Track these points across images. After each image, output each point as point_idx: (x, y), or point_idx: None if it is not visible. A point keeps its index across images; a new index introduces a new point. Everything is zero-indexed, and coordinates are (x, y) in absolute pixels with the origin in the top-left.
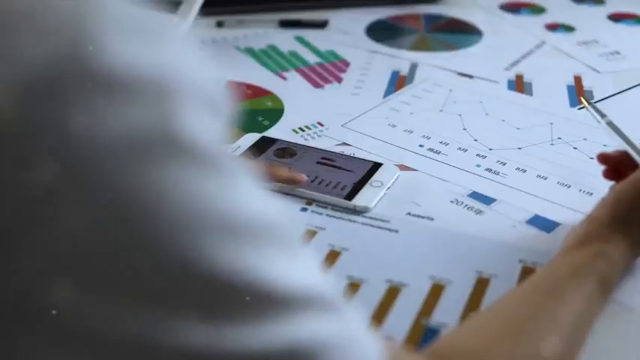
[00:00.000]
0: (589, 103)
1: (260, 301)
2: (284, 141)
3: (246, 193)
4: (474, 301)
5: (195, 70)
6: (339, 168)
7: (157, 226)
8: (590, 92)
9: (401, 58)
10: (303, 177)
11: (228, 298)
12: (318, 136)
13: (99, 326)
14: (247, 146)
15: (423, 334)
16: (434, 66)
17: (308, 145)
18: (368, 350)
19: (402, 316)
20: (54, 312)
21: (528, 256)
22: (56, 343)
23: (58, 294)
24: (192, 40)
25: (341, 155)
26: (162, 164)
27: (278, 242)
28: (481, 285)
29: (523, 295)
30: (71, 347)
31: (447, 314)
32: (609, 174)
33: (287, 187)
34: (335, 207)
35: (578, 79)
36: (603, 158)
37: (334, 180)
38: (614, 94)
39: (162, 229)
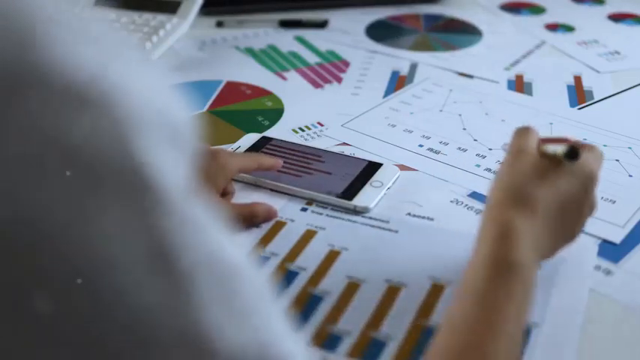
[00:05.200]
0: None
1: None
2: (284, 141)
3: (216, 241)
4: None
5: (153, 94)
6: (339, 168)
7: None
8: (590, 92)
9: (401, 58)
10: (279, 161)
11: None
12: (318, 136)
13: None
14: (247, 146)
15: (422, 335)
16: (434, 66)
17: (308, 145)
18: None
19: (402, 317)
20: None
21: None
22: None
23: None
24: (156, 64)
25: (341, 155)
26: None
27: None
28: None
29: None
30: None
31: None
32: None
33: (269, 180)
34: (335, 207)
35: (578, 79)
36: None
37: (334, 180)
38: (614, 94)
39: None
